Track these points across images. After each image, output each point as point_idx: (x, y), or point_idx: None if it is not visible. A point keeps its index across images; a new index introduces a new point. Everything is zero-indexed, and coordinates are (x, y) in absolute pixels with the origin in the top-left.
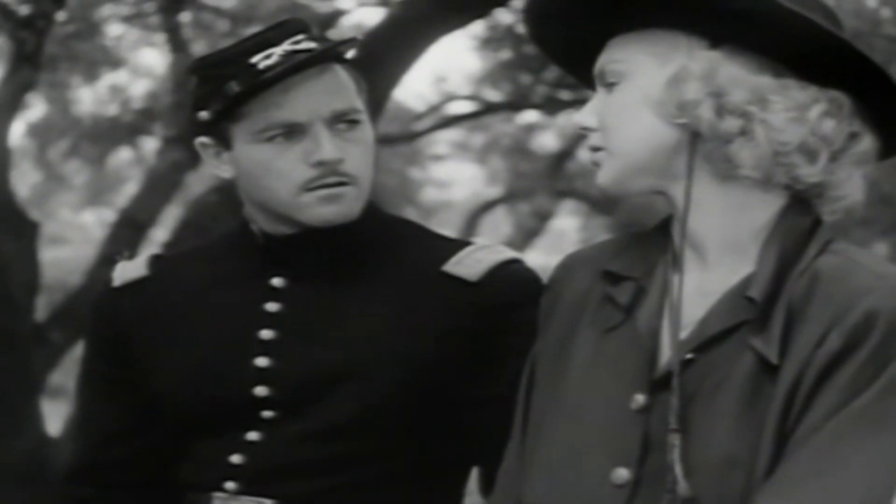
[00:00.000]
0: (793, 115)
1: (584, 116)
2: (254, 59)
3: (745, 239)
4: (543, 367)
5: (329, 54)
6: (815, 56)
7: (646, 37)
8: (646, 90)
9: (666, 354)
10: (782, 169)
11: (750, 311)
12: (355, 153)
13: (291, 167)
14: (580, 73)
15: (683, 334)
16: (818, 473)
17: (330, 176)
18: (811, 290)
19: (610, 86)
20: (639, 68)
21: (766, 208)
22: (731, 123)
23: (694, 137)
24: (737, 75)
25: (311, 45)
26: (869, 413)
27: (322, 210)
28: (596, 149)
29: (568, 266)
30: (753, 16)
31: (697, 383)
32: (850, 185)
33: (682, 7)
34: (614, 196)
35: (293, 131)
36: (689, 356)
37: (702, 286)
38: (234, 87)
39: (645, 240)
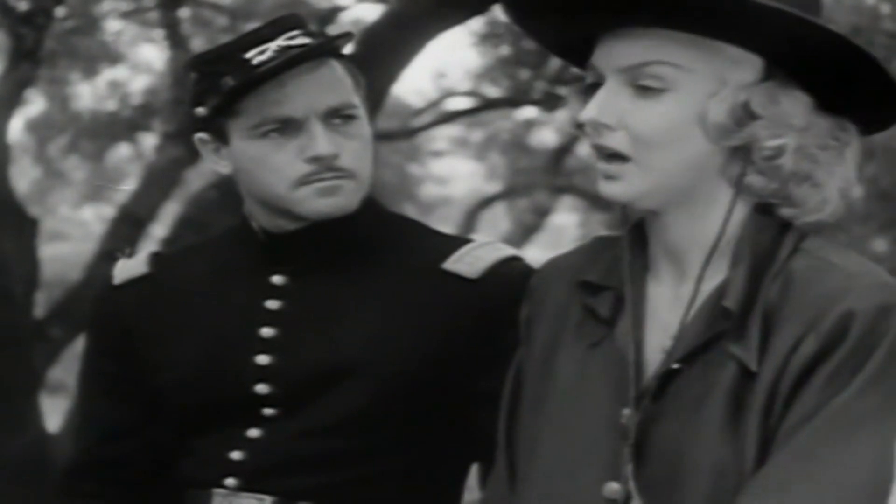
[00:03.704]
0: (840, 158)
1: (600, 112)
2: (248, 55)
3: (720, 245)
4: (528, 384)
5: (323, 49)
6: (857, 89)
7: (699, 43)
8: (703, 109)
9: (650, 365)
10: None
11: (727, 320)
12: (351, 148)
13: (287, 162)
14: (571, 57)
15: (667, 343)
16: (797, 475)
17: (325, 171)
18: (785, 294)
19: (648, 89)
20: (696, 80)
21: (736, 211)
22: (804, 167)
23: (743, 170)
24: (809, 117)
25: (307, 40)
26: (847, 412)
27: (319, 202)
28: (612, 153)
29: (545, 275)
30: (811, 40)
31: (682, 394)
32: (833, 204)
33: (741, 23)
34: (628, 205)
35: (288, 126)
36: (675, 366)
37: (678, 295)
38: (229, 82)
39: (620, 243)
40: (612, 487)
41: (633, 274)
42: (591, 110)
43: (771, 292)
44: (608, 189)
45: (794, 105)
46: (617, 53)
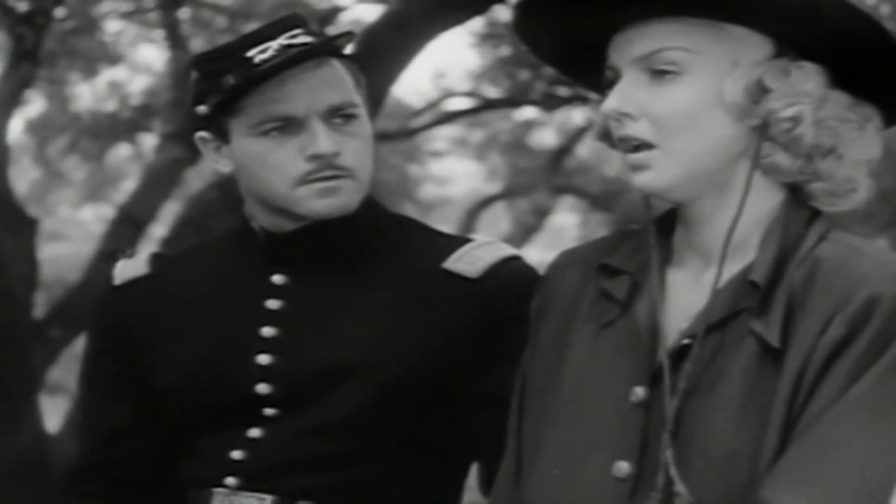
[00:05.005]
0: (860, 132)
1: (621, 102)
2: (250, 53)
3: (746, 232)
4: (538, 369)
5: (324, 48)
6: (872, 67)
7: (708, 28)
8: (719, 89)
9: (666, 346)
10: (849, 185)
11: (751, 297)
12: (352, 147)
13: (287, 161)
14: (573, 70)
15: (684, 325)
16: (819, 463)
17: (326, 169)
18: (812, 278)
19: (662, 73)
20: (709, 62)
21: (767, 202)
22: (825, 139)
23: (760, 144)
24: (823, 89)
25: (308, 39)
26: (867, 400)
27: (319, 203)
28: (634, 141)
29: (560, 265)
30: (824, 18)
31: (698, 373)
32: (863, 189)
33: (745, 4)
34: (661, 196)
35: (289, 125)
36: (685, 342)
37: (702, 280)
38: (230, 80)
39: (641, 235)
40: (621, 466)
41: (655, 260)
42: (611, 101)
43: (796, 276)
44: (639, 180)
45: (806, 75)
46: (630, 46)
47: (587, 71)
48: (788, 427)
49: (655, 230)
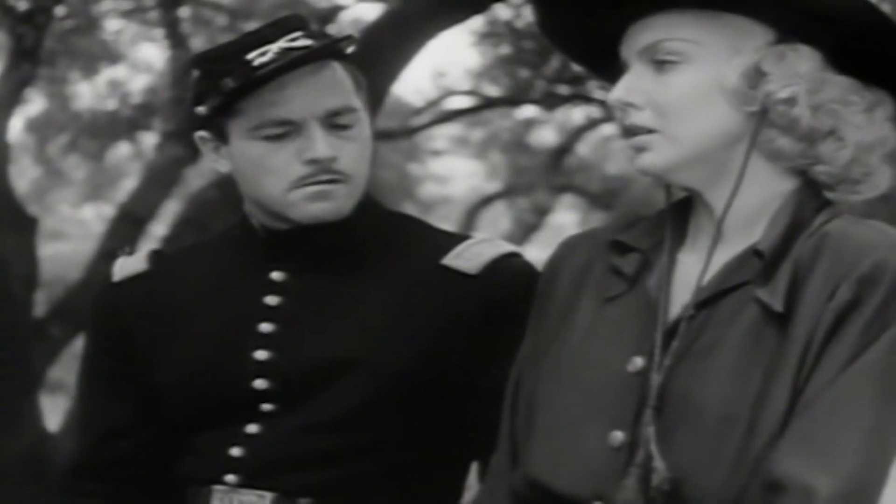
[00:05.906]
0: (867, 116)
1: (626, 92)
2: (250, 56)
3: (755, 216)
4: (541, 345)
5: (324, 52)
6: (875, 52)
7: (710, 18)
8: (719, 76)
9: (665, 321)
10: (859, 169)
11: (753, 268)
12: (350, 151)
13: (285, 164)
14: (588, 61)
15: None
16: (829, 434)
17: (322, 174)
18: (819, 249)
19: (664, 63)
20: (710, 52)
21: (776, 188)
22: (824, 122)
23: (758, 128)
24: (820, 73)
25: (308, 42)
26: (876, 370)
27: (311, 207)
28: (639, 130)
29: (568, 245)
30: (827, 7)
31: (687, 346)
32: (881, 176)
33: None
34: (660, 177)
35: (287, 129)
36: (689, 313)
37: (712, 259)
38: (229, 83)
39: (655, 219)
40: (616, 436)
41: (667, 240)
42: (617, 91)
43: (804, 249)
44: (640, 161)
45: (800, 58)
46: (636, 38)
47: (611, 68)
48: (796, 392)
49: (672, 214)
